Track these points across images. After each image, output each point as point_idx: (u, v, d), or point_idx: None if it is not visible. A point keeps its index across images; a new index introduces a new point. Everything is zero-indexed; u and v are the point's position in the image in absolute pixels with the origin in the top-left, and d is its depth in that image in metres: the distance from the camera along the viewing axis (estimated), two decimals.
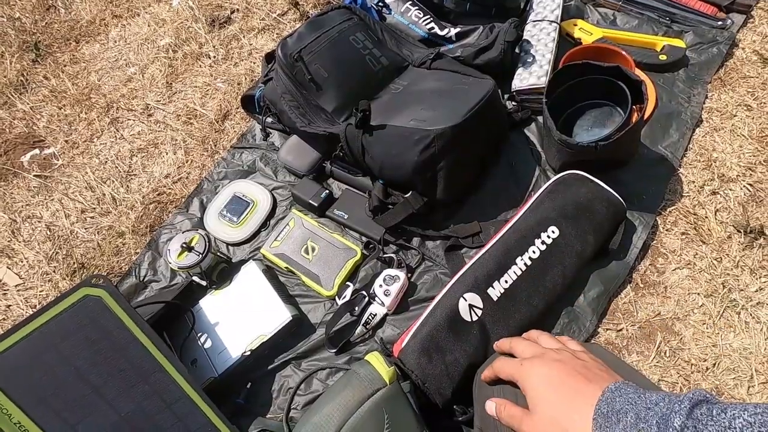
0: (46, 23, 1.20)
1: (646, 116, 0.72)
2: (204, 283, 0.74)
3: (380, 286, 0.68)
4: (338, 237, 0.75)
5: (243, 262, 0.77)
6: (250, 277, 0.72)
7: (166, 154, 0.94)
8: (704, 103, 0.85)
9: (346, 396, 0.50)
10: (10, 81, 1.08)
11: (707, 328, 0.65)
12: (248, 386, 0.66)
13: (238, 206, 0.81)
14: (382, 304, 0.68)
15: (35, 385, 0.53)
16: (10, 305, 0.80)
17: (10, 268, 0.83)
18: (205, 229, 0.81)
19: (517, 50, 0.88)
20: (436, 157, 0.66)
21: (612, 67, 0.69)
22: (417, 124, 0.68)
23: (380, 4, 0.94)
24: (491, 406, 0.45)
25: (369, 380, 0.51)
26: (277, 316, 0.68)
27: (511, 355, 0.48)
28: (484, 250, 0.66)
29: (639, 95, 0.69)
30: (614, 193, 0.69)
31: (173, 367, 0.56)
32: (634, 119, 0.71)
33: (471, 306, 0.61)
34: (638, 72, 0.79)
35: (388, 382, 0.51)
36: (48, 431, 0.55)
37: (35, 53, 1.13)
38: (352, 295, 0.69)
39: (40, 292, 0.80)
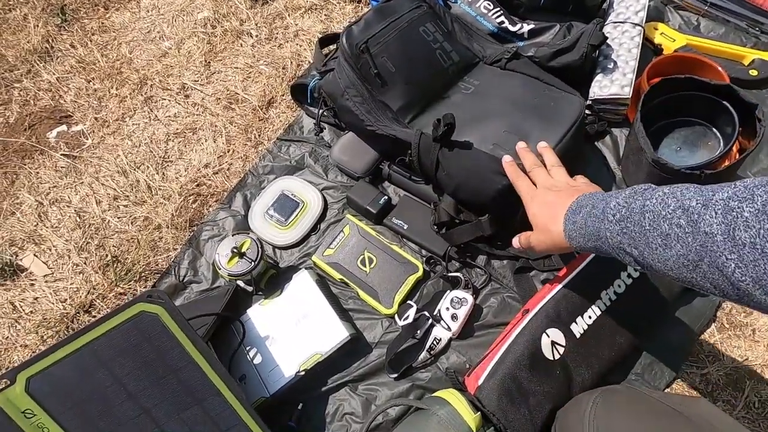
0: None
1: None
2: (250, 289, 0.69)
3: (447, 308, 0.63)
4: (397, 249, 0.70)
5: (292, 268, 0.72)
6: (303, 288, 0.66)
7: (206, 141, 0.87)
8: None
9: None
10: (34, 47, 1.00)
11: None
12: (299, 407, 0.61)
13: (286, 206, 0.75)
14: (448, 328, 0.63)
15: (82, 404, 0.49)
16: (37, 297, 0.74)
17: (37, 256, 0.78)
18: (249, 228, 0.75)
19: (594, 53, 0.80)
20: None
21: (722, 86, 0.62)
22: (502, 151, 0.61)
23: None
24: (515, 240, 0.59)
25: (453, 426, 0.46)
26: (333, 333, 0.62)
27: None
28: (565, 280, 0.60)
29: (745, 118, 0.62)
30: None
31: (230, 392, 0.51)
32: (735, 146, 0.64)
33: (554, 343, 0.56)
34: None
35: (474, 430, 0.46)
36: None
37: (61, 18, 1.04)
38: (415, 316, 0.63)
39: (71, 284, 0.75)
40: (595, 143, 0.79)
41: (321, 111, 0.77)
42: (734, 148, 0.65)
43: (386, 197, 0.73)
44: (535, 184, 0.56)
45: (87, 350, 0.48)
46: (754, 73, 0.81)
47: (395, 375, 0.62)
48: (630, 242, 0.39)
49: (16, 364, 0.68)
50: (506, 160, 0.59)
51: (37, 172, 0.86)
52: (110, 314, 0.47)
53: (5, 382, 0.47)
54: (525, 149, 0.60)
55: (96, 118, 0.91)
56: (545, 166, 0.58)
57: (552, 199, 0.52)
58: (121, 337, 0.48)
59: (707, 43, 0.85)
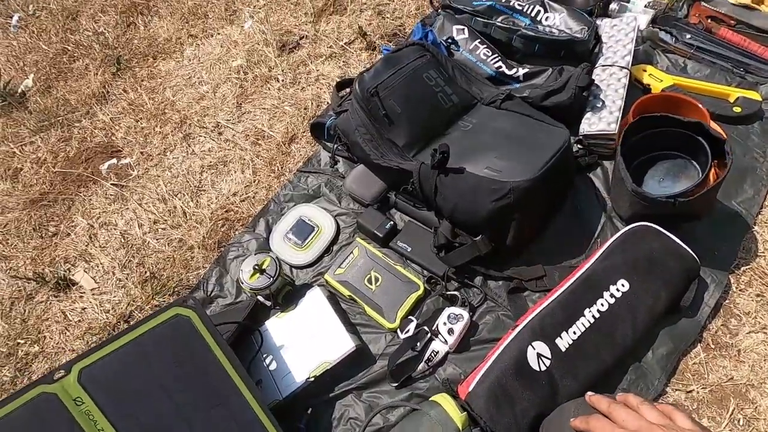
0: (127, 39, 1.28)
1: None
2: (269, 303, 0.77)
3: (444, 324, 0.69)
4: (401, 269, 0.77)
5: (306, 285, 0.80)
6: (315, 303, 0.74)
7: (235, 172, 0.98)
8: None
9: None
10: (93, 92, 1.16)
11: None
12: (309, 411, 0.67)
13: (303, 230, 0.84)
14: (445, 342, 0.68)
15: (123, 395, 0.56)
16: (85, 308, 0.84)
17: (86, 272, 0.88)
18: (270, 249, 0.84)
19: (584, 93, 0.88)
20: (511, 208, 0.67)
21: (693, 123, 0.69)
22: (491, 173, 0.69)
23: (449, 40, 0.96)
24: None
25: (441, 423, 0.52)
26: (340, 344, 0.69)
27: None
28: (551, 297, 0.66)
29: (720, 151, 0.68)
30: (688, 249, 0.68)
31: (250, 393, 0.58)
32: (712, 176, 0.70)
33: (539, 355, 0.61)
34: (714, 125, 0.78)
35: (460, 428, 0.52)
36: None
37: (116, 67, 1.20)
38: (415, 331, 0.70)
39: (114, 297, 0.85)
40: (588, 174, 0.86)
41: (336, 146, 0.87)
42: (711, 178, 0.70)
43: (392, 222, 0.81)
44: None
45: (131, 346, 0.56)
46: (737, 110, 0.87)
47: (396, 384, 0.68)
48: None
49: None
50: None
51: (90, 199, 0.99)
52: (151, 315, 0.56)
53: (62, 373, 0.56)
54: (594, 396, 0.50)
55: (142, 153, 1.04)
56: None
57: None
58: (159, 337, 0.56)
59: (693, 83, 0.91)
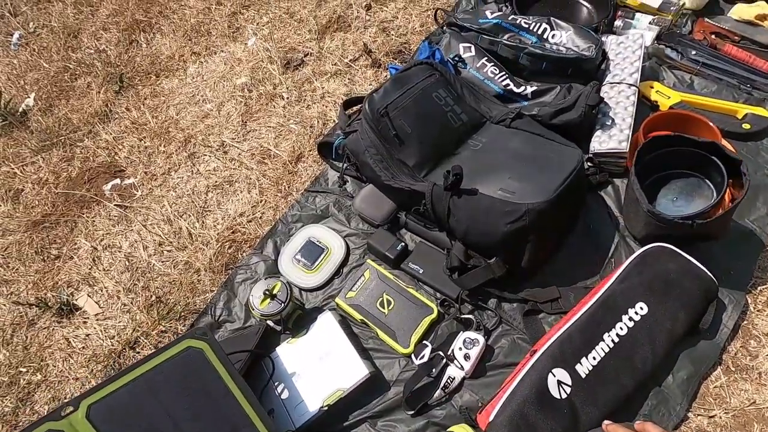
0: (129, 57, 1.27)
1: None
2: (279, 328, 0.75)
3: (459, 348, 0.68)
4: (413, 292, 0.75)
5: (316, 309, 0.78)
6: (327, 328, 0.72)
7: (241, 192, 0.97)
8: None
9: None
10: (95, 111, 1.15)
11: None
12: None
13: (312, 251, 0.83)
14: (461, 368, 0.67)
15: (133, 430, 0.55)
16: (89, 334, 0.82)
17: (90, 296, 0.87)
18: (279, 272, 0.82)
19: (594, 111, 0.88)
20: (526, 230, 0.67)
21: (707, 143, 0.68)
22: (505, 195, 0.68)
23: (456, 58, 0.96)
24: None
25: None
26: (354, 371, 0.68)
27: None
28: (569, 321, 0.65)
29: (734, 170, 0.67)
30: (705, 269, 0.68)
31: (262, 424, 0.57)
32: (727, 196, 0.69)
33: (560, 382, 0.59)
34: (726, 143, 0.78)
35: None
36: None
37: (119, 85, 1.19)
38: (430, 356, 0.68)
39: (119, 323, 0.83)
40: (599, 192, 0.85)
41: (344, 166, 0.87)
42: (726, 198, 0.70)
43: (403, 244, 0.80)
44: None
45: (141, 380, 0.54)
46: (747, 126, 0.87)
47: (412, 412, 0.66)
48: None
49: (68, 395, 0.76)
50: None
51: (93, 221, 0.97)
52: (162, 348, 0.54)
53: (70, 409, 0.54)
54: (611, 425, 0.53)
55: (145, 173, 1.03)
56: None
57: None
58: (171, 370, 0.55)
59: (701, 100, 0.92)
